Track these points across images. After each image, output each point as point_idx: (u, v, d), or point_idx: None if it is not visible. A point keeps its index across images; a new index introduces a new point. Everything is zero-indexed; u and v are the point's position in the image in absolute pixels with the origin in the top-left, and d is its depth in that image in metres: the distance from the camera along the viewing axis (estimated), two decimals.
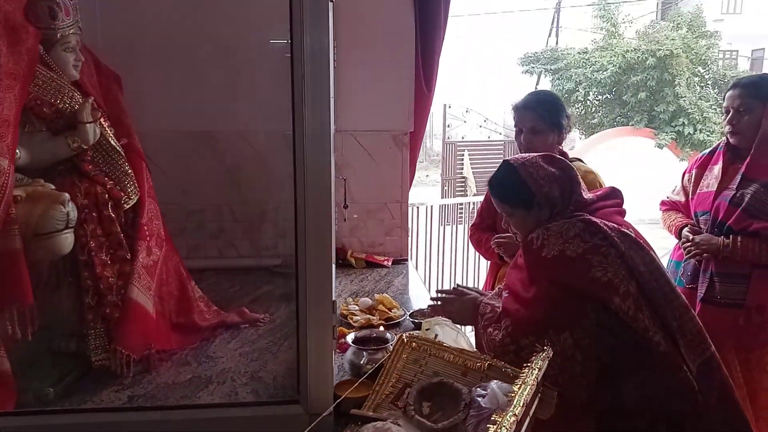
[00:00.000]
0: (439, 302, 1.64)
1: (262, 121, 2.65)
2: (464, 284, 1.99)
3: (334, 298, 1.30)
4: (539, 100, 2.01)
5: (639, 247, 1.43)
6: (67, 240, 1.45)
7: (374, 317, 1.96)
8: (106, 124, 1.70)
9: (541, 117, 1.95)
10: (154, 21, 2.50)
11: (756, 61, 14.97)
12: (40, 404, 1.42)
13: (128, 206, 1.70)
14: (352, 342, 1.55)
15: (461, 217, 4.62)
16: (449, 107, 11.20)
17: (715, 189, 2.08)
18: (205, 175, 2.69)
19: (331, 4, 1.20)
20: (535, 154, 1.55)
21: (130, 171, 1.72)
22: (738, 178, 2.02)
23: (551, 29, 14.44)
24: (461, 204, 5.08)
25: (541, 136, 1.94)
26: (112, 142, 1.69)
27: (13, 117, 1.36)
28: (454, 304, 1.60)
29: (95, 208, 1.61)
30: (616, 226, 1.44)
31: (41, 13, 1.52)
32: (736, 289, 2.02)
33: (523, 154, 1.58)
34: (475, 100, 13.37)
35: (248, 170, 2.70)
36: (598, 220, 1.43)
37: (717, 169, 2.12)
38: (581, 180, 1.53)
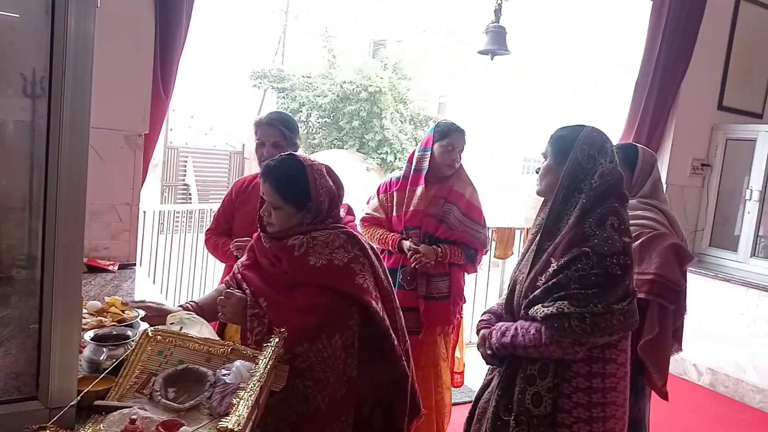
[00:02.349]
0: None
1: None
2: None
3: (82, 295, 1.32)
4: (281, 120, 2.29)
5: (379, 259, 1.70)
6: None
7: (106, 319, 1.93)
8: None
9: (283, 134, 2.24)
10: None
11: (442, 105, 18.12)
12: None
13: None
14: (92, 339, 1.55)
15: (178, 225, 4.60)
16: (173, 110, 10.80)
17: (422, 208, 2.60)
18: None
19: None
20: (321, 162, 1.67)
21: None
22: (441, 200, 2.60)
23: (277, 49, 15.11)
24: (181, 211, 5.06)
25: (282, 151, 2.21)
26: None
27: None
28: (226, 308, 1.62)
29: None
30: (367, 240, 1.70)
31: None
32: (443, 284, 2.61)
33: (309, 156, 1.68)
34: (200, 107, 13.15)
35: None
36: (357, 234, 1.65)
37: (420, 191, 2.63)
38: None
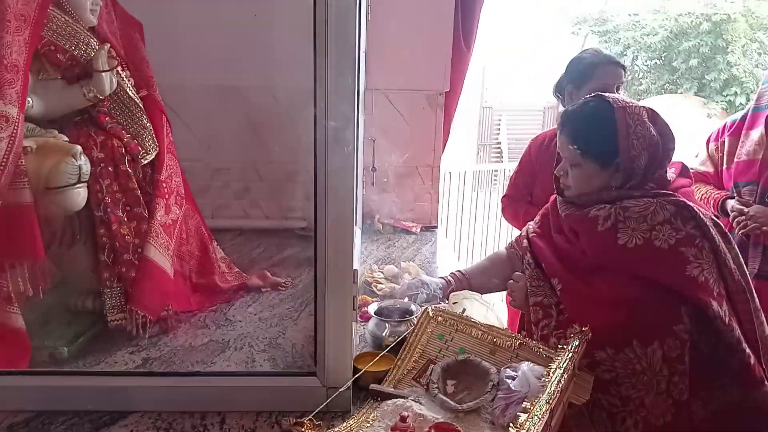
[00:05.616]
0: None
1: (289, 77, 2.54)
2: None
3: (355, 267, 1.21)
4: (616, 57, 1.94)
5: (728, 240, 1.22)
6: (79, 195, 1.39)
7: (400, 286, 1.87)
8: (124, 74, 1.61)
9: (625, 75, 1.89)
10: None
11: None
12: (54, 363, 1.39)
13: (146, 161, 1.63)
14: (374, 313, 1.47)
15: (496, 184, 4.49)
16: (486, 68, 10.84)
17: (760, 157, 1.91)
18: (230, 132, 2.61)
19: None
20: (639, 103, 1.26)
21: (148, 124, 1.64)
22: None
23: None
24: (496, 171, 4.95)
25: None
26: (130, 93, 1.61)
27: (23, 62, 1.28)
28: (515, 293, 1.39)
29: (111, 163, 1.54)
30: (708, 213, 1.22)
31: None
32: None
33: (624, 97, 1.28)
34: (516, 62, 12.91)
35: (275, 128, 2.60)
36: (692, 204, 1.20)
37: (757, 134, 1.93)
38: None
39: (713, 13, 10.40)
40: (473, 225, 4.08)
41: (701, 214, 1.19)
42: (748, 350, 1.16)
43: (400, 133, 2.64)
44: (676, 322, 1.12)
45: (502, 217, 2.29)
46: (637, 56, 11.51)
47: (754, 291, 1.23)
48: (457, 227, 4.00)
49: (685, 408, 1.14)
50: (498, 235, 4.09)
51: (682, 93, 11.18)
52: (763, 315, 1.25)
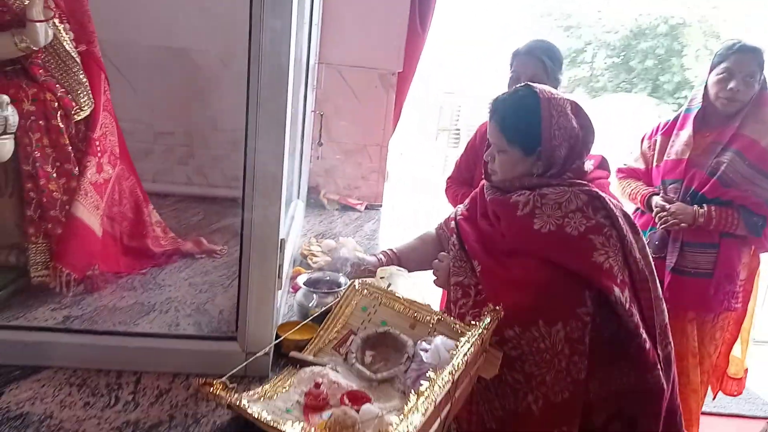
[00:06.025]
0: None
1: (240, 43, 2.50)
2: None
3: (282, 237, 1.23)
4: (544, 49, 1.89)
5: (636, 231, 1.28)
6: (5, 146, 1.35)
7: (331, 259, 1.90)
8: (62, 27, 1.56)
9: (544, 66, 1.85)
10: None
11: None
12: None
13: (79, 118, 1.59)
14: (303, 284, 1.49)
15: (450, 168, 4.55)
16: (450, 55, 10.87)
17: (687, 157, 2.01)
18: (177, 96, 2.56)
19: None
20: (565, 95, 1.30)
21: (85, 80, 1.60)
22: (717, 147, 1.96)
23: None
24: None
25: None
26: (67, 47, 1.56)
27: None
28: (438, 271, 1.43)
29: (43, 117, 1.50)
30: (619, 204, 1.27)
31: None
32: (706, 259, 2.00)
33: (551, 89, 1.31)
34: (482, 52, 12.98)
35: (223, 95, 2.55)
36: (604, 195, 1.25)
37: (685, 135, 2.04)
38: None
39: (670, 16, 10.71)
40: (421, 206, 4.14)
41: (612, 205, 1.25)
42: (644, 335, 1.22)
43: (350, 109, 2.65)
44: (580, 305, 1.17)
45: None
46: (597, 53, 11.75)
47: (657, 281, 1.31)
48: (405, 207, 4.05)
49: (583, 387, 1.19)
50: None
51: (636, 93, 11.51)
52: (663, 304, 1.32)
